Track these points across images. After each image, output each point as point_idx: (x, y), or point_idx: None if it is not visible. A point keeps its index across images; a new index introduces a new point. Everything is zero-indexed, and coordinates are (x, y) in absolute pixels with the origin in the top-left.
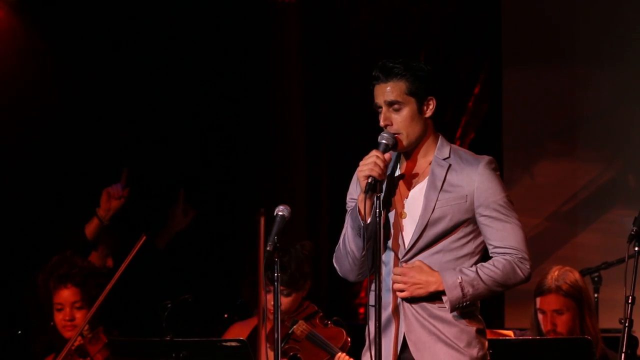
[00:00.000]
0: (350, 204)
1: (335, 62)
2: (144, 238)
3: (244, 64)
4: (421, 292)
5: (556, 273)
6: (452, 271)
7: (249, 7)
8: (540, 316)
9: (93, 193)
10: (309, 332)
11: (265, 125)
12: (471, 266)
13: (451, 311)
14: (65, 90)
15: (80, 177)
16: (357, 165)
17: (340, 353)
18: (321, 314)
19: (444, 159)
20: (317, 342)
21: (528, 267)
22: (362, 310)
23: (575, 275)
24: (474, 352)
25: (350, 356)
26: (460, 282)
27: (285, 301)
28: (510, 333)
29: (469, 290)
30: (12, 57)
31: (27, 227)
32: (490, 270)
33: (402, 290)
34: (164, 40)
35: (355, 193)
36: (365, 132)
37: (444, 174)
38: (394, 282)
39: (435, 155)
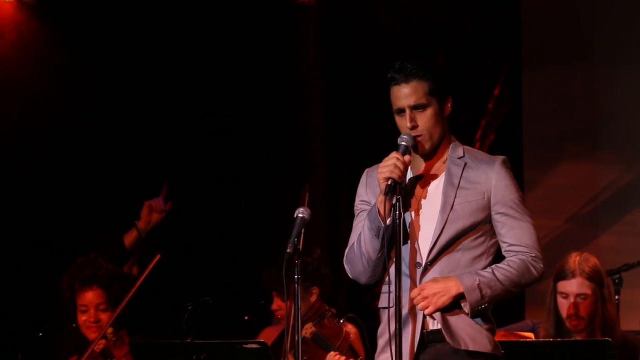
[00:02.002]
0: (360, 206)
1: (354, 63)
2: (159, 257)
3: (263, 66)
4: (444, 299)
5: (578, 258)
6: (469, 274)
7: (268, 9)
8: (562, 301)
9: (114, 193)
10: (314, 334)
11: (284, 126)
12: (486, 267)
13: (472, 314)
14: (85, 92)
15: (103, 178)
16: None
17: (333, 352)
18: (330, 313)
19: (459, 158)
20: (320, 343)
21: (542, 266)
22: (381, 313)
23: (595, 260)
24: (489, 347)
25: (368, 358)
26: (478, 284)
27: (288, 306)
28: (530, 335)
29: (487, 292)
30: (32, 59)
31: (51, 229)
32: (506, 270)
33: (427, 307)
34: (183, 41)
35: (364, 195)
36: (384, 134)
37: (461, 172)
38: (415, 303)
39: (449, 154)
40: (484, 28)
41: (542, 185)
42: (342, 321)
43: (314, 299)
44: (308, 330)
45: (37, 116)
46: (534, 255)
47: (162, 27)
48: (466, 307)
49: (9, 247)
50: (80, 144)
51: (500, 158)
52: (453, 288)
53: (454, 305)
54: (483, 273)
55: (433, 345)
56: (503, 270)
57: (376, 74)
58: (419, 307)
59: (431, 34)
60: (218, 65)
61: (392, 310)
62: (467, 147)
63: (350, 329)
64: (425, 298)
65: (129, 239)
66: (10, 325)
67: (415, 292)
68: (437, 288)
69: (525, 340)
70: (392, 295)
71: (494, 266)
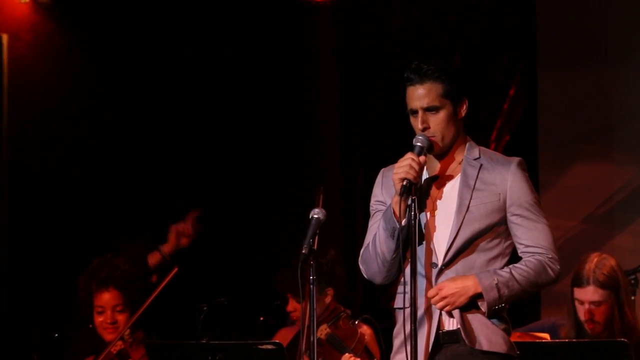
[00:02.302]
0: (375, 206)
1: (369, 63)
2: (176, 270)
3: (278, 66)
4: (462, 299)
5: (593, 264)
6: (487, 273)
7: (282, 9)
8: (578, 306)
9: (131, 194)
10: (329, 335)
11: (299, 127)
12: (502, 267)
13: (488, 314)
14: (100, 93)
15: (119, 179)
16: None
17: (347, 354)
18: (344, 315)
19: (475, 159)
20: (335, 344)
21: (558, 267)
22: (396, 313)
23: (612, 262)
24: (504, 348)
25: (383, 359)
26: (496, 284)
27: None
28: (546, 336)
29: (504, 291)
30: (48, 60)
31: (68, 230)
32: (523, 270)
33: (445, 307)
34: (198, 42)
35: (380, 195)
36: (399, 134)
37: (476, 173)
38: (434, 303)
39: (465, 155)
40: (499, 28)
41: (558, 185)
42: (356, 322)
43: (328, 299)
44: (323, 331)
45: (53, 116)
46: (550, 256)
47: (176, 28)
48: (483, 306)
49: (26, 247)
50: (96, 145)
51: (516, 159)
52: (471, 287)
53: (471, 305)
54: (501, 272)
55: (448, 345)
56: (520, 270)
57: (391, 73)
58: (437, 306)
59: (446, 35)
60: (233, 66)
61: (407, 310)
62: (482, 148)
63: (365, 329)
64: (444, 298)
65: (153, 260)
66: (26, 325)
67: (432, 291)
68: (455, 287)
69: (540, 341)
70: (407, 296)
71: (511, 266)
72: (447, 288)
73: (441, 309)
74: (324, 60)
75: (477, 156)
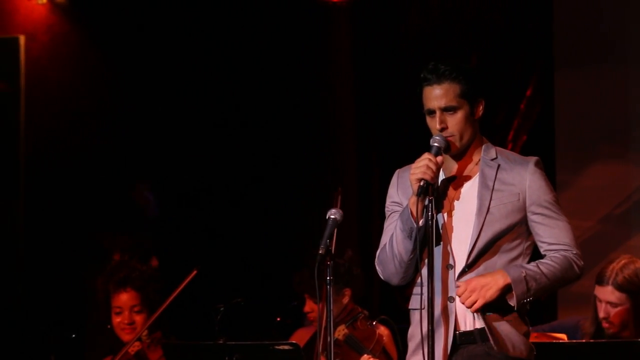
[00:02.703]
0: (391, 207)
1: (386, 64)
2: (195, 272)
3: (294, 66)
4: (492, 291)
5: (619, 265)
6: (515, 267)
7: (299, 9)
8: (597, 303)
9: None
10: (347, 336)
11: (316, 127)
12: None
13: (517, 307)
14: (116, 93)
15: (136, 179)
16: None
17: (366, 355)
18: (362, 315)
19: (492, 159)
20: (353, 345)
21: (582, 263)
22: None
23: (636, 265)
24: (524, 353)
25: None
26: (524, 276)
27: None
28: (563, 336)
29: (532, 284)
30: (64, 61)
31: (85, 231)
32: (550, 265)
33: (474, 303)
34: (214, 42)
35: (396, 196)
36: (416, 135)
37: (494, 174)
38: (462, 300)
39: (482, 156)
40: (516, 28)
41: (575, 186)
42: (374, 323)
43: (346, 300)
44: (340, 332)
45: (69, 117)
46: (575, 252)
47: (192, 28)
48: (512, 300)
49: (43, 248)
50: (112, 145)
51: (533, 159)
52: (500, 279)
53: (496, 308)
54: (528, 266)
55: (465, 346)
56: (547, 265)
57: (408, 73)
58: (465, 302)
59: (463, 35)
60: (249, 66)
61: (424, 311)
62: (499, 148)
63: (383, 330)
64: (473, 291)
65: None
66: (43, 326)
67: (461, 287)
68: (484, 281)
69: (557, 341)
70: (424, 297)
71: (537, 261)
72: (476, 282)
73: (470, 306)
74: (341, 60)
75: (494, 156)
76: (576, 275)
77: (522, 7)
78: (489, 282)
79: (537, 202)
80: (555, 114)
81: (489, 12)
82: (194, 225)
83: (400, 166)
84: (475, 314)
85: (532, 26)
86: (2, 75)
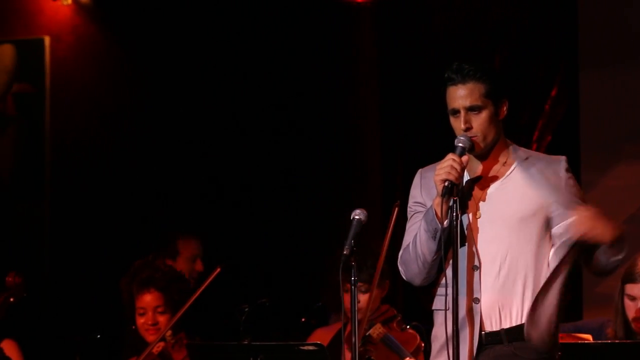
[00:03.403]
0: (413, 208)
1: (410, 64)
2: (219, 270)
3: (318, 66)
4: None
5: None
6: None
7: (323, 10)
8: (628, 303)
9: (171, 192)
10: (384, 335)
11: (340, 128)
12: (548, 265)
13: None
14: (141, 93)
15: (161, 180)
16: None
17: (409, 358)
18: (399, 318)
19: (523, 160)
20: (390, 346)
21: None
22: (434, 315)
23: None
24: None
25: None
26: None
27: (363, 298)
28: (588, 337)
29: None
30: (89, 61)
31: (110, 231)
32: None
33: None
34: (238, 42)
35: (419, 197)
36: (440, 135)
37: (524, 174)
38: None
39: (511, 157)
40: (541, 28)
41: (600, 186)
42: (407, 328)
43: (384, 293)
44: (376, 330)
45: (94, 117)
46: None
47: (216, 29)
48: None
49: (68, 248)
50: (137, 145)
51: (563, 158)
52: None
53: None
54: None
55: (492, 346)
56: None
57: (432, 73)
58: (585, 226)
59: (487, 35)
60: (274, 66)
61: (449, 312)
62: (524, 149)
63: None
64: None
65: None
66: (68, 327)
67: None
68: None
69: (583, 342)
70: (449, 298)
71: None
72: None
73: (587, 230)
74: (365, 60)
75: (524, 157)
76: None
77: (547, 7)
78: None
79: (567, 201)
80: (580, 114)
81: (514, 11)
82: (220, 225)
83: (424, 166)
84: (501, 314)
85: (556, 26)
86: (27, 76)
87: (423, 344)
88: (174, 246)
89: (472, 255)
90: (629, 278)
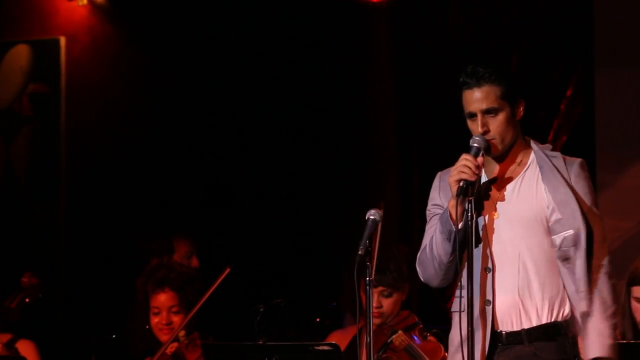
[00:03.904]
0: (432, 210)
1: (425, 65)
2: (228, 270)
3: (334, 66)
4: None
5: None
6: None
7: (339, 10)
8: (636, 305)
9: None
10: (407, 345)
11: (356, 128)
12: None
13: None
14: (157, 94)
15: (176, 180)
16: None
17: None
18: (421, 325)
19: (538, 159)
20: (414, 356)
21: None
22: (452, 315)
23: None
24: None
25: None
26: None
27: (386, 303)
28: None
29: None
30: (105, 62)
31: (125, 231)
32: (611, 314)
33: None
34: (254, 44)
35: (437, 199)
36: (456, 136)
37: (536, 174)
38: None
39: (527, 156)
40: (557, 29)
41: (615, 186)
42: (428, 335)
43: (404, 297)
44: (399, 338)
45: (110, 117)
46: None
47: (232, 30)
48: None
49: (84, 248)
50: (152, 146)
51: (580, 160)
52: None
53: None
54: (608, 334)
55: (512, 346)
56: (614, 320)
57: (448, 74)
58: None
59: (504, 35)
60: (290, 66)
61: (463, 314)
62: (546, 148)
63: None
64: None
65: None
66: (84, 327)
67: None
68: None
69: None
70: (464, 300)
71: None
72: None
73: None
74: (380, 61)
75: (543, 155)
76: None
77: (563, 7)
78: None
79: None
80: (596, 114)
81: (530, 12)
82: (234, 225)
83: (441, 168)
84: (521, 314)
85: (572, 26)
86: (43, 77)
87: (447, 355)
88: (169, 243)
89: (486, 257)
90: (635, 281)
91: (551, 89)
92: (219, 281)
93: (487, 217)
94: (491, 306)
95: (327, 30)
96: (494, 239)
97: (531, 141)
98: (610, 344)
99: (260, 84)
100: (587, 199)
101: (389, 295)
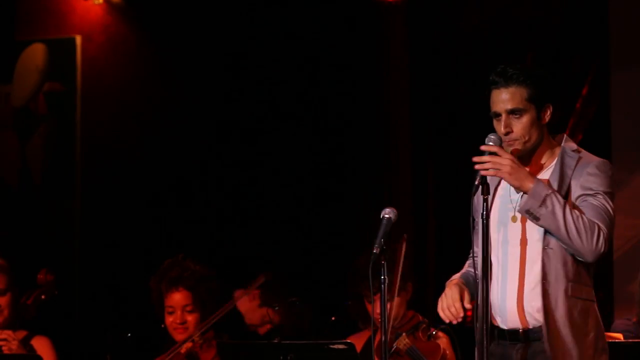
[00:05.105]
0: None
1: (441, 64)
2: (262, 278)
3: (350, 67)
4: (508, 176)
5: None
6: (545, 186)
7: (354, 9)
8: None
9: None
10: (409, 347)
11: (371, 127)
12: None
13: (518, 211)
14: (172, 93)
15: (192, 179)
16: (462, 168)
17: None
18: (424, 325)
19: (561, 160)
20: (415, 358)
21: (606, 246)
22: (469, 313)
23: None
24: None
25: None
26: (545, 196)
27: (389, 306)
28: (619, 336)
29: (544, 212)
30: (121, 61)
31: (141, 230)
32: (577, 214)
33: (488, 169)
34: (270, 44)
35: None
36: (471, 134)
37: (554, 176)
38: (490, 160)
39: (550, 158)
40: (572, 27)
41: (631, 184)
42: (434, 331)
43: (409, 296)
44: (402, 341)
45: (125, 116)
46: (605, 231)
47: (248, 28)
48: (518, 204)
49: (99, 247)
50: (168, 145)
51: (598, 160)
52: (524, 179)
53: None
54: (559, 198)
55: (530, 343)
56: (576, 213)
57: (463, 74)
58: (488, 165)
59: (519, 34)
60: (305, 65)
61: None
62: (575, 149)
63: (443, 340)
64: (495, 163)
65: None
66: (99, 326)
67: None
68: (513, 165)
69: (613, 341)
70: (479, 297)
71: (569, 205)
72: (506, 158)
73: (482, 170)
74: (396, 59)
75: (569, 156)
76: (594, 246)
77: (578, 6)
78: (515, 169)
79: (584, 186)
80: (611, 112)
81: (545, 10)
82: (250, 226)
83: (455, 166)
84: (539, 312)
85: (588, 25)
86: (58, 75)
87: (448, 352)
88: None
89: (501, 256)
90: None
91: (567, 88)
92: (253, 287)
93: (509, 218)
94: (507, 304)
95: (343, 29)
96: (512, 239)
97: (563, 139)
98: (547, 198)
99: (277, 83)
100: (586, 191)
101: (390, 299)
